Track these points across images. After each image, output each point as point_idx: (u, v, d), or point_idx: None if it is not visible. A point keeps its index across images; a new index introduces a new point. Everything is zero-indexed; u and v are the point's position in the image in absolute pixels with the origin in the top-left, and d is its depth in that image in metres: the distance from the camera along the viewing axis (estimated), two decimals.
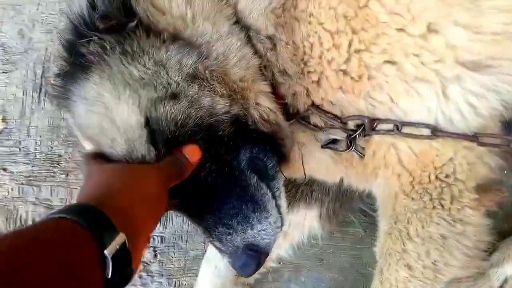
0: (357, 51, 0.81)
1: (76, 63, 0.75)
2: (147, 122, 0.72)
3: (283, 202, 0.82)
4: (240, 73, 0.77)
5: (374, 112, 0.83)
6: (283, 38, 0.81)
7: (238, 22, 0.81)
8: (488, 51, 0.80)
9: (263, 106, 0.79)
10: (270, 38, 0.81)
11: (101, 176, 0.67)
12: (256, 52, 0.81)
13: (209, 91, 0.74)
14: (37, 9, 1.33)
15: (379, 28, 0.80)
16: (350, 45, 0.81)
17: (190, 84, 0.73)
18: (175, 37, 0.74)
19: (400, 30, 0.80)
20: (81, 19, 0.74)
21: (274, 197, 0.79)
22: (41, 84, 1.27)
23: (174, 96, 0.72)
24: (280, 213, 0.79)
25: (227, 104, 0.75)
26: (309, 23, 0.82)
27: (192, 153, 0.73)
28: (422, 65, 0.81)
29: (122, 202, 0.60)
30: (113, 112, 0.72)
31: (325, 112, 0.83)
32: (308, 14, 0.81)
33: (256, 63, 0.80)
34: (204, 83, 0.74)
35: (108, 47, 0.72)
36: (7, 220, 1.20)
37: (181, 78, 0.72)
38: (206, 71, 0.74)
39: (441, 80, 0.81)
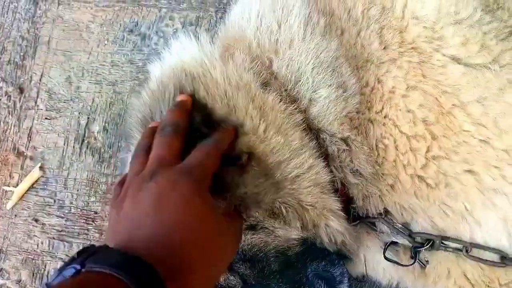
0: (436, 157, 0.77)
1: None
2: None
3: None
4: (312, 201, 0.74)
5: (445, 220, 0.79)
6: (358, 139, 0.78)
7: (308, 127, 0.78)
8: None
9: (332, 228, 0.76)
10: (345, 139, 0.78)
11: (176, 207, 0.55)
12: (327, 158, 0.78)
13: (284, 224, 0.73)
14: (88, 58, 1.31)
15: (461, 136, 0.77)
16: (428, 150, 0.77)
17: (267, 219, 0.72)
18: (250, 157, 0.72)
19: (484, 141, 0.77)
20: None
21: None
22: (84, 136, 1.24)
23: (253, 228, 0.72)
24: None
25: (300, 233, 0.74)
26: (384, 124, 0.79)
27: None
28: (502, 178, 0.78)
29: (186, 260, 0.51)
30: None
31: (394, 223, 0.79)
32: (383, 116, 0.79)
33: (328, 178, 0.76)
34: (280, 217, 0.73)
35: None
36: (33, 275, 1.15)
37: (259, 213, 0.71)
38: (282, 207, 0.72)
39: None
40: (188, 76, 0.75)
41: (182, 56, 0.81)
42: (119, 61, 1.30)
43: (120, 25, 1.34)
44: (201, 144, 0.67)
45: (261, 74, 0.77)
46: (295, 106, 0.77)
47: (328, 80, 0.76)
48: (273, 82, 0.77)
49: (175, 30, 1.34)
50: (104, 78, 1.29)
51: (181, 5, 1.36)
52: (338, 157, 0.77)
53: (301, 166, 0.73)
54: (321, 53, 0.77)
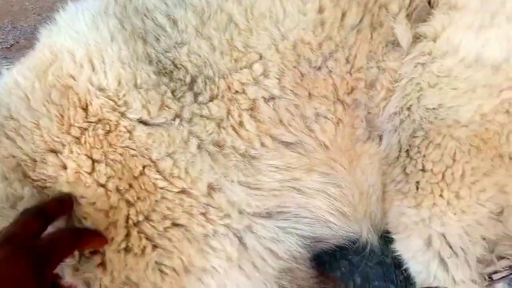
0: (136, 223, 0.77)
1: None
2: None
3: None
4: None
5: (166, 279, 0.78)
6: None
7: None
8: (271, 203, 0.81)
9: None
10: None
11: None
12: None
13: None
14: None
15: (158, 194, 0.78)
16: (127, 219, 0.77)
17: None
18: None
19: (181, 192, 0.79)
20: None
21: None
22: None
23: None
24: None
25: None
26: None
27: None
28: (209, 223, 0.79)
29: None
30: None
31: None
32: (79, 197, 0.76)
33: None
34: None
35: None
36: None
37: None
38: None
39: (234, 232, 0.81)
40: None
41: None
42: None
43: None
44: (59, 230, 0.68)
45: None
46: None
47: None
48: None
49: None
50: None
51: None
52: None
53: None
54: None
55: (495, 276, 0.83)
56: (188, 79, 0.83)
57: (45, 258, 0.60)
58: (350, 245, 0.95)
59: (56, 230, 0.68)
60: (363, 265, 0.98)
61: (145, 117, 0.81)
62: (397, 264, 0.92)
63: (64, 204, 0.74)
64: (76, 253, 0.76)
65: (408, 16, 0.81)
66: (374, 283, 0.97)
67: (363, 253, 0.96)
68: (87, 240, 0.72)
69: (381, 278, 0.97)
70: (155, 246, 0.78)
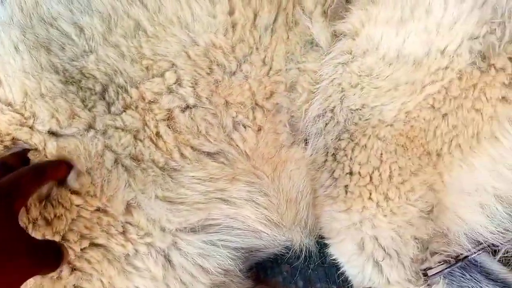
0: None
1: None
2: None
3: None
4: None
5: None
6: None
7: None
8: (195, 218, 0.78)
9: None
10: None
11: None
12: None
13: None
14: None
15: (74, 212, 0.74)
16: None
17: None
18: None
19: (98, 210, 0.75)
20: None
21: None
22: None
23: None
24: None
25: None
26: None
27: None
28: (130, 242, 0.76)
29: None
30: None
31: None
32: None
33: None
34: None
35: None
36: None
37: None
38: None
39: (158, 250, 0.77)
40: None
41: None
42: None
43: None
44: (21, 168, 0.68)
45: None
46: None
47: None
48: None
49: None
50: None
51: None
52: None
53: None
54: None
55: (429, 272, 0.82)
56: (98, 88, 0.78)
57: (9, 192, 0.61)
58: (288, 252, 0.93)
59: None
60: (304, 268, 0.95)
61: (55, 127, 0.76)
62: (338, 264, 0.90)
63: (22, 156, 0.75)
64: None
65: (325, 13, 0.77)
66: (317, 285, 0.95)
67: (304, 257, 0.93)
68: (50, 172, 0.71)
69: (323, 279, 0.95)
70: (73, 269, 0.74)
